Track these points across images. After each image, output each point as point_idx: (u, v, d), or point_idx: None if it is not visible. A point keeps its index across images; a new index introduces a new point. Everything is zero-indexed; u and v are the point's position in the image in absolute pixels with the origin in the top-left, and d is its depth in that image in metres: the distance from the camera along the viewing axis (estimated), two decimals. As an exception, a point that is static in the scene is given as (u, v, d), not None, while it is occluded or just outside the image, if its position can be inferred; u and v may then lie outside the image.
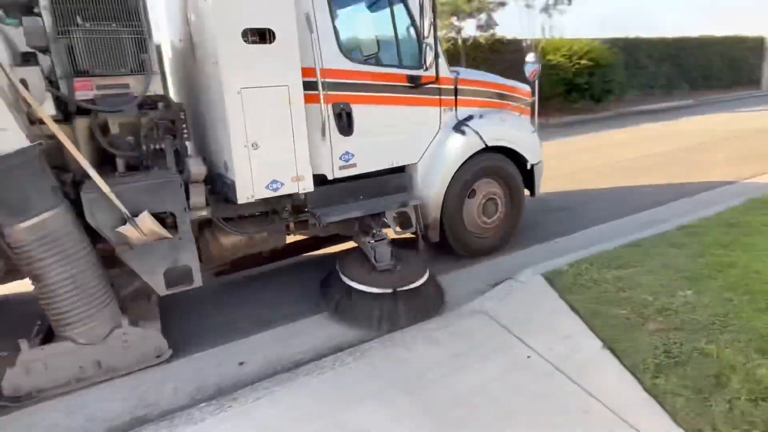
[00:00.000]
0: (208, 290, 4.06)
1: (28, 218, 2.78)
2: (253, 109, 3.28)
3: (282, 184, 3.52)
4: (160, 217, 3.16)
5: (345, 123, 3.83)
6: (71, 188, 3.16)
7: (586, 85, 16.09)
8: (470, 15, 15.83)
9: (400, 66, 4.08)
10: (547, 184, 5.34)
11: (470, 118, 4.44)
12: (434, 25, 3.88)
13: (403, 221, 4.19)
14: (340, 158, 3.88)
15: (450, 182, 4.31)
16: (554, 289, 3.62)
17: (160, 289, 3.25)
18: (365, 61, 3.94)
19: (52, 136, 2.97)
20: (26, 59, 3.05)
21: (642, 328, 3.04)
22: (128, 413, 2.81)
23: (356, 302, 3.74)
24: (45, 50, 3.13)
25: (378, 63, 4.02)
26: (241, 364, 3.24)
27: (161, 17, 4.15)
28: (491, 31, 16.29)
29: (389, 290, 3.68)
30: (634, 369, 2.69)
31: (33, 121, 2.98)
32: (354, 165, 3.96)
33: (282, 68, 3.33)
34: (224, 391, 2.91)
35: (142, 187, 3.12)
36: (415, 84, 4.11)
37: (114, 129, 3.38)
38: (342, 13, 3.84)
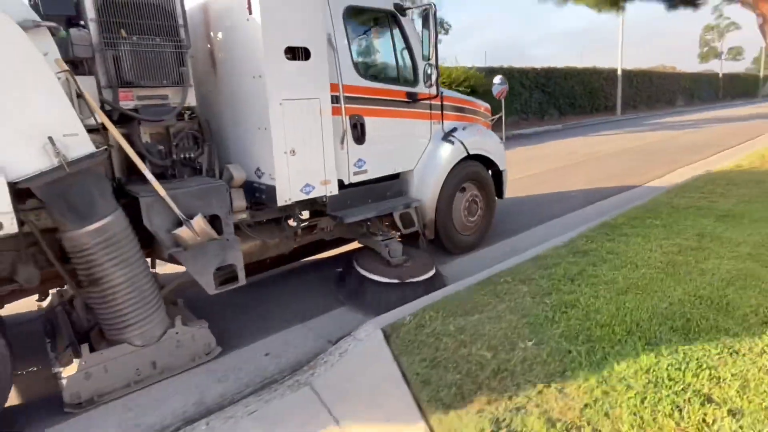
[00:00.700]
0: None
1: (93, 221, 2.85)
2: (292, 119, 3.61)
3: (313, 188, 3.85)
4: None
5: (359, 133, 4.27)
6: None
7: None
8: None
9: (400, 83, 4.62)
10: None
11: (455, 129, 5.09)
12: (436, 49, 4.48)
13: (406, 221, 4.67)
14: (355, 165, 4.30)
15: (442, 186, 4.89)
16: (390, 349, 3.05)
17: (210, 288, 3.40)
18: (373, 79, 4.42)
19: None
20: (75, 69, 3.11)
21: (473, 400, 2.50)
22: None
23: (375, 293, 4.14)
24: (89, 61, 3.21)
25: (382, 80, 4.52)
26: (266, 354, 3.47)
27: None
28: None
29: (410, 280, 4.15)
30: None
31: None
32: (365, 171, 4.40)
33: (315, 83, 3.71)
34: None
35: (193, 191, 3.29)
36: (413, 99, 4.67)
37: (145, 138, 3.51)
38: (354, 36, 4.29)
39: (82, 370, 2.94)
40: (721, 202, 6.00)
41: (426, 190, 4.85)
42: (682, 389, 2.45)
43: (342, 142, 4.12)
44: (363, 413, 2.57)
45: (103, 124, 3.20)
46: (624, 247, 4.53)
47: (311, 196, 3.87)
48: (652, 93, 35.69)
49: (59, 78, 2.78)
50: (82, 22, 3.17)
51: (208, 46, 3.92)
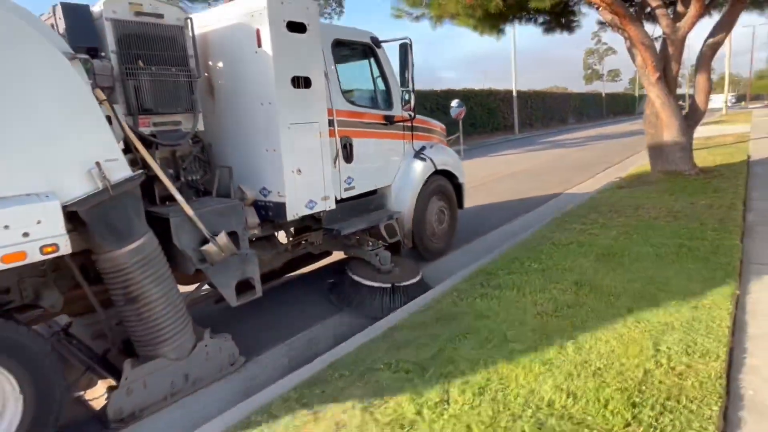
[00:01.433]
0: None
1: (131, 242, 3.00)
2: (298, 141, 3.96)
3: (316, 203, 4.19)
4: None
5: (348, 152, 4.69)
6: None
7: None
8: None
9: (379, 107, 5.12)
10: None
11: (423, 148, 5.67)
12: (412, 77, 5.04)
13: (390, 231, 5.13)
14: (345, 182, 4.70)
15: (417, 198, 5.43)
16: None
17: (233, 300, 3.60)
18: (357, 104, 4.88)
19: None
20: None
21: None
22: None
23: (370, 297, 4.54)
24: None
25: (364, 105, 4.99)
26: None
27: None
28: None
29: (401, 284, 4.59)
30: None
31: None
32: (354, 187, 4.81)
33: (316, 108, 4.09)
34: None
35: (216, 210, 3.51)
36: (390, 122, 5.18)
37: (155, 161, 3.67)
38: (340, 66, 4.73)
39: (125, 387, 3.02)
40: (602, 235, 5.57)
41: (403, 202, 5.35)
42: None
43: (335, 162, 4.51)
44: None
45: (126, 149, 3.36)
46: (496, 306, 3.85)
47: (314, 210, 4.20)
48: (546, 112, 39.06)
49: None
50: (102, 54, 3.31)
51: (206, 74, 4.15)
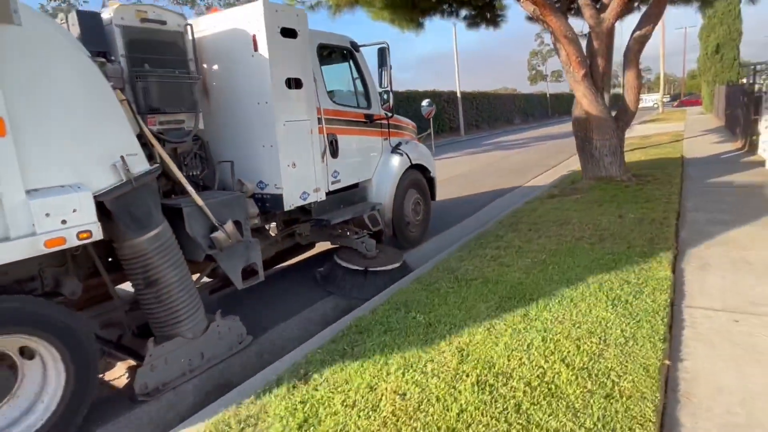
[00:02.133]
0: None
1: (151, 229, 3.27)
2: (292, 137, 4.30)
3: (308, 195, 4.55)
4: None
5: (334, 148, 5.06)
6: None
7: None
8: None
9: (359, 107, 5.52)
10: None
11: (399, 144, 6.12)
12: (390, 78, 5.47)
13: (373, 221, 5.54)
14: (332, 175, 5.07)
15: (395, 191, 5.86)
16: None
17: (239, 283, 3.91)
18: (341, 103, 5.26)
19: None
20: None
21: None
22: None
23: (358, 280, 4.94)
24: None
25: (347, 105, 5.38)
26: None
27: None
28: None
29: (386, 268, 5.02)
30: None
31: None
32: (339, 180, 5.19)
33: (307, 107, 4.45)
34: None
35: (222, 201, 3.81)
36: (370, 120, 5.60)
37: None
38: (324, 69, 5.09)
39: (149, 363, 3.28)
40: (514, 266, 4.62)
41: (383, 194, 5.78)
42: None
43: (323, 157, 4.87)
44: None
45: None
46: (338, 404, 2.71)
47: (307, 201, 4.56)
48: (492, 113, 39.42)
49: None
50: (112, 57, 3.55)
51: (203, 76, 4.42)
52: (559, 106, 57.46)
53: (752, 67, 13.34)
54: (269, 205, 4.37)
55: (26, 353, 2.81)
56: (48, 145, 2.74)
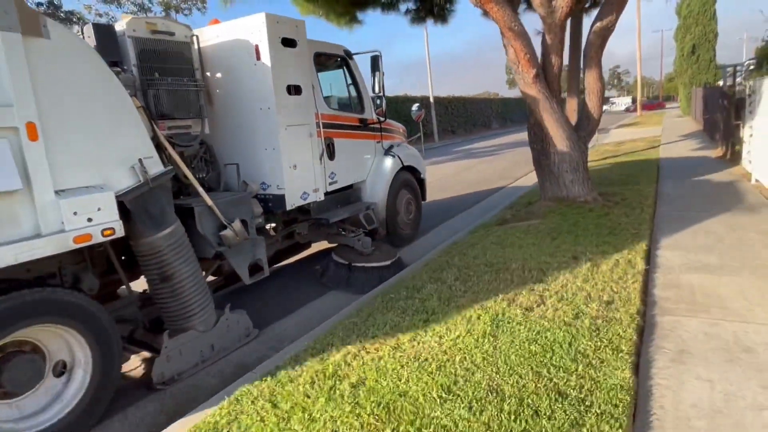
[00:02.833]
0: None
1: (166, 227, 3.49)
2: (293, 140, 4.56)
3: (308, 195, 4.80)
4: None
5: (331, 151, 5.32)
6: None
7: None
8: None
9: (354, 111, 5.79)
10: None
11: (391, 147, 6.40)
12: (382, 84, 5.75)
13: (368, 220, 5.80)
14: (329, 177, 5.32)
15: (388, 191, 6.14)
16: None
17: (246, 279, 4.14)
18: (337, 108, 5.52)
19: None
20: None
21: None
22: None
23: (357, 276, 5.19)
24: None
25: (342, 109, 5.65)
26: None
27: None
28: None
29: (382, 263, 5.28)
30: None
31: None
32: (336, 182, 5.45)
33: (306, 112, 4.71)
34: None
35: (230, 201, 4.04)
36: (364, 124, 5.87)
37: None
38: (321, 75, 5.36)
39: (165, 354, 3.49)
40: (422, 338, 3.39)
41: (377, 195, 6.05)
42: None
43: (321, 159, 5.13)
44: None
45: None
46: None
47: (308, 201, 4.81)
48: (468, 118, 37.82)
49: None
50: (125, 67, 3.77)
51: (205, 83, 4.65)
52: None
53: (732, 68, 12.97)
54: (272, 204, 4.61)
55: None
56: (74, 149, 2.95)
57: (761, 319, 3.35)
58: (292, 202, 4.59)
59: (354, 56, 5.81)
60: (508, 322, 3.53)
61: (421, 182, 7.05)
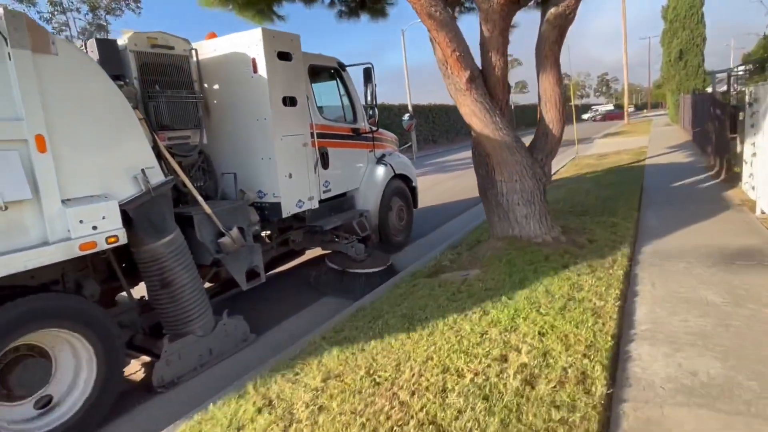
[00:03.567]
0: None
1: (167, 235, 3.61)
2: (289, 150, 4.70)
3: (303, 203, 4.94)
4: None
5: (325, 160, 5.47)
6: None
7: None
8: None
9: (347, 122, 5.96)
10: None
11: (383, 156, 6.57)
12: (375, 95, 5.93)
13: (362, 227, 5.95)
14: (323, 185, 5.47)
15: (381, 199, 6.30)
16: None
17: (243, 284, 4.26)
18: (330, 119, 5.69)
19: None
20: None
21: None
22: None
23: (350, 282, 5.32)
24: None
25: (336, 120, 5.81)
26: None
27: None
28: None
29: (375, 269, 5.42)
30: None
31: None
32: (330, 190, 5.60)
33: (301, 123, 4.86)
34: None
35: (228, 209, 4.17)
36: (356, 133, 6.04)
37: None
38: (315, 86, 5.52)
39: (165, 358, 3.59)
40: None
41: (370, 202, 6.21)
42: None
43: (315, 168, 5.28)
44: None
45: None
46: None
47: (303, 209, 4.95)
48: (451, 126, 36.09)
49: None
50: (127, 80, 3.90)
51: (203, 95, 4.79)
52: (526, 117, 54.91)
53: (723, 73, 11.82)
54: (268, 212, 4.74)
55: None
56: (80, 160, 3.08)
57: None
58: (287, 210, 4.73)
59: (347, 68, 5.98)
60: None
61: (413, 190, 7.22)
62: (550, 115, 5.60)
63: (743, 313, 3.51)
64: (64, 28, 25.27)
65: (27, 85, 2.78)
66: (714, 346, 3.09)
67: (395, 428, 2.55)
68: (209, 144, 4.75)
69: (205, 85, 4.74)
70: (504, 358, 3.14)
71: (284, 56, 4.63)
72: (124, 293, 4.18)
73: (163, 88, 4.09)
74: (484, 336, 3.48)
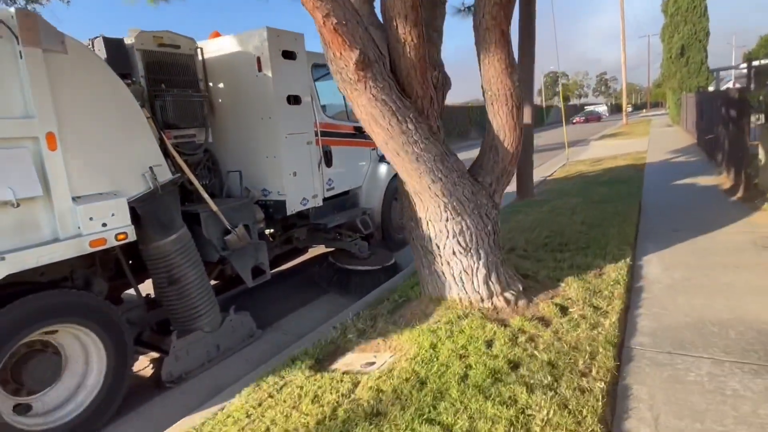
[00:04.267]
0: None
1: (175, 232, 3.64)
2: (293, 148, 4.73)
3: (308, 201, 4.97)
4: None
5: (329, 158, 5.51)
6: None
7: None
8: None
9: (349, 120, 5.99)
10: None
11: (386, 154, 6.60)
12: (378, 94, 5.95)
13: (365, 225, 5.98)
14: (327, 183, 5.51)
15: (383, 197, 6.33)
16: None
17: (249, 281, 4.29)
18: (333, 117, 5.72)
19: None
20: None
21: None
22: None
23: (355, 279, 5.36)
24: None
25: (338, 118, 5.84)
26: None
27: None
28: None
29: (378, 267, 5.46)
30: None
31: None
32: (334, 188, 5.63)
33: (305, 121, 4.90)
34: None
35: (234, 206, 4.21)
36: (359, 132, 6.07)
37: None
38: (318, 85, 5.55)
39: (174, 354, 3.63)
40: None
41: (373, 200, 6.24)
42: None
43: (319, 166, 5.31)
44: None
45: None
46: None
47: (307, 206, 4.98)
48: (443, 127, 36.53)
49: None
50: (133, 79, 3.93)
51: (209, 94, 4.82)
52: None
53: (748, 62, 10.39)
54: (273, 210, 4.77)
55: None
56: (90, 157, 3.11)
57: None
58: (292, 208, 4.77)
59: (350, 67, 6.01)
60: None
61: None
62: (499, 119, 3.78)
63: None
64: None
65: (38, 83, 2.81)
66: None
67: None
68: (214, 142, 4.78)
69: (210, 84, 4.77)
70: None
71: (289, 55, 4.66)
72: (129, 291, 4.24)
73: (169, 87, 4.12)
74: None
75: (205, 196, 4.01)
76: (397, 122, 3.41)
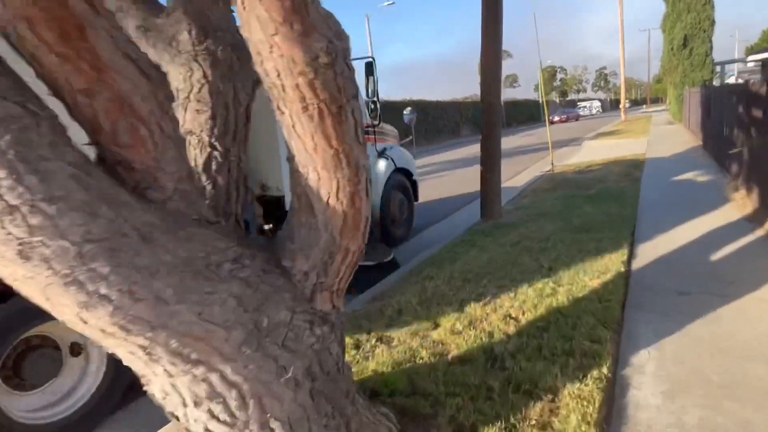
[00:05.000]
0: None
1: (174, 228, 3.66)
2: (292, 144, 4.74)
3: (307, 196, 4.98)
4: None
5: (327, 154, 5.52)
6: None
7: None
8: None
9: (349, 115, 6.00)
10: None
11: (385, 149, 6.61)
12: (376, 89, 5.96)
13: (363, 220, 6.00)
14: (326, 178, 5.52)
15: (382, 192, 6.35)
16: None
17: (249, 278, 4.31)
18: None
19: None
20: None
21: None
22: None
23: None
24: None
25: (337, 113, 5.85)
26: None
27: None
28: None
29: (377, 262, 5.49)
30: None
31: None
32: (333, 183, 5.64)
33: (304, 116, 4.90)
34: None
35: (232, 202, 4.21)
36: (358, 127, 6.08)
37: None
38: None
39: (173, 347, 3.65)
40: None
41: (372, 196, 6.25)
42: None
43: (318, 161, 5.33)
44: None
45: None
46: None
47: (306, 202, 4.99)
48: (432, 125, 34.14)
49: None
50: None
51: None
52: (518, 114, 52.28)
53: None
54: (272, 205, 4.79)
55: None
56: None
57: None
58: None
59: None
60: None
61: (414, 183, 7.28)
62: (300, 141, 1.62)
63: None
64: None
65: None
66: None
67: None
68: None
69: (209, 79, 4.77)
70: None
71: (287, 50, 4.65)
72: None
73: (167, 82, 4.12)
74: None
75: (204, 191, 4.01)
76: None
